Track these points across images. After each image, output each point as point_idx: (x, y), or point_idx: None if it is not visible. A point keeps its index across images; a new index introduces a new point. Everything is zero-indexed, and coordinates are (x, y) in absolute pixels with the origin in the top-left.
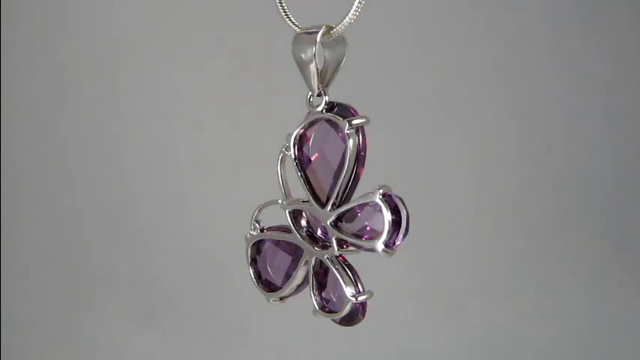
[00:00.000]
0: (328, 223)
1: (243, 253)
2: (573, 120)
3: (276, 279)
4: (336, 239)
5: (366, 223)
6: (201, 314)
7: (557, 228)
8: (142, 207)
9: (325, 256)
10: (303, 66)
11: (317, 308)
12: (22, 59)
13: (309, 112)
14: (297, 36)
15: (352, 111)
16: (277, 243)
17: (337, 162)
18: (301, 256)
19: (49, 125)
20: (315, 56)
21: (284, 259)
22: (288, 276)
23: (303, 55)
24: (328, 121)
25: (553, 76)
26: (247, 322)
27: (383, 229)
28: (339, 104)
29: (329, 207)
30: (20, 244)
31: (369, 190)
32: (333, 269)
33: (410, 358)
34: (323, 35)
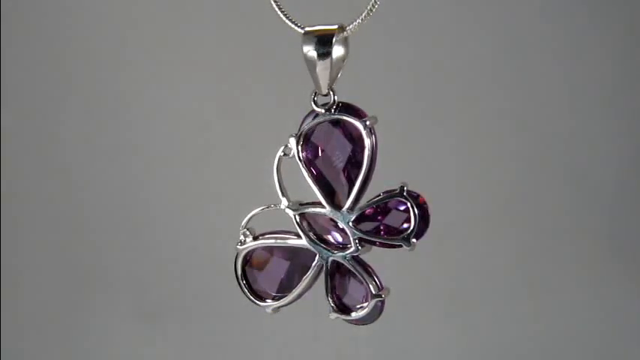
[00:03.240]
0: (349, 223)
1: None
2: (574, 119)
3: (269, 288)
4: (357, 239)
5: (385, 221)
6: (201, 314)
7: (558, 228)
8: (142, 207)
9: (346, 256)
10: (313, 65)
11: (334, 310)
12: (23, 59)
13: (312, 112)
14: (307, 34)
15: (359, 110)
16: (269, 249)
17: (344, 162)
18: (305, 261)
19: (50, 125)
20: (331, 55)
21: (280, 266)
22: (284, 283)
23: (315, 54)
24: (332, 121)
25: (554, 76)
26: (247, 322)
27: (410, 224)
28: (344, 104)
29: (346, 207)
30: (20, 244)
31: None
32: (354, 270)
33: (410, 358)
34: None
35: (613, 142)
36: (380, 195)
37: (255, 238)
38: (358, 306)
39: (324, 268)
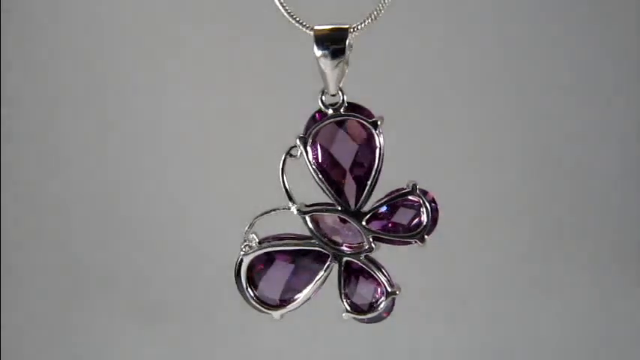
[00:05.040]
0: (363, 223)
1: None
2: (578, 119)
3: (272, 293)
4: (372, 238)
5: (393, 219)
6: (201, 314)
7: (559, 228)
8: (142, 207)
9: (361, 256)
10: (326, 64)
11: (349, 310)
12: (21, 59)
13: (319, 112)
14: (320, 33)
15: (367, 111)
16: (269, 254)
17: (350, 162)
18: (311, 263)
19: (49, 125)
20: (345, 54)
21: (283, 270)
22: (288, 287)
23: (329, 53)
24: (338, 121)
25: (558, 76)
26: (247, 322)
27: (420, 221)
28: (350, 103)
29: (359, 207)
30: (20, 243)
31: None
32: (368, 269)
33: (410, 358)
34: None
35: (616, 142)
36: (391, 193)
37: (259, 244)
38: (367, 304)
39: (338, 269)
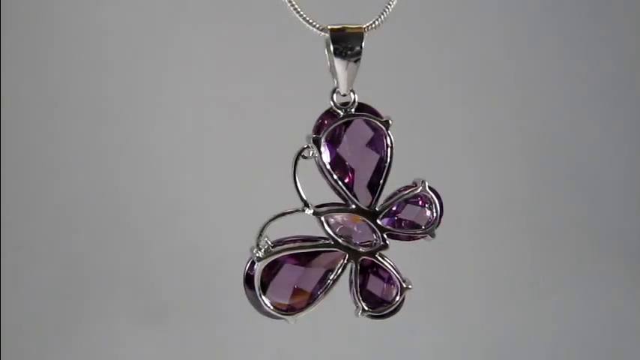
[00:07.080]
0: (378, 221)
1: (242, 256)
2: (575, 119)
3: (281, 297)
4: (387, 235)
5: (400, 215)
6: (201, 314)
7: (558, 228)
8: (142, 207)
9: (376, 254)
10: (341, 64)
11: (365, 309)
12: (20, 59)
13: (328, 112)
14: (336, 34)
15: (375, 111)
16: (276, 257)
17: (361, 161)
18: (323, 264)
19: (49, 125)
20: (361, 54)
21: (292, 273)
22: (298, 289)
23: (345, 53)
24: (347, 121)
25: (557, 76)
26: (247, 322)
27: (430, 216)
28: (361, 104)
29: (372, 205)
30: (20, 244)
31: None
32: (383, 266)
33: (410, 358)
34: None
35: (616, 142)
36: (401, 191)
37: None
38: (376, 301)
39: (355, 268)
